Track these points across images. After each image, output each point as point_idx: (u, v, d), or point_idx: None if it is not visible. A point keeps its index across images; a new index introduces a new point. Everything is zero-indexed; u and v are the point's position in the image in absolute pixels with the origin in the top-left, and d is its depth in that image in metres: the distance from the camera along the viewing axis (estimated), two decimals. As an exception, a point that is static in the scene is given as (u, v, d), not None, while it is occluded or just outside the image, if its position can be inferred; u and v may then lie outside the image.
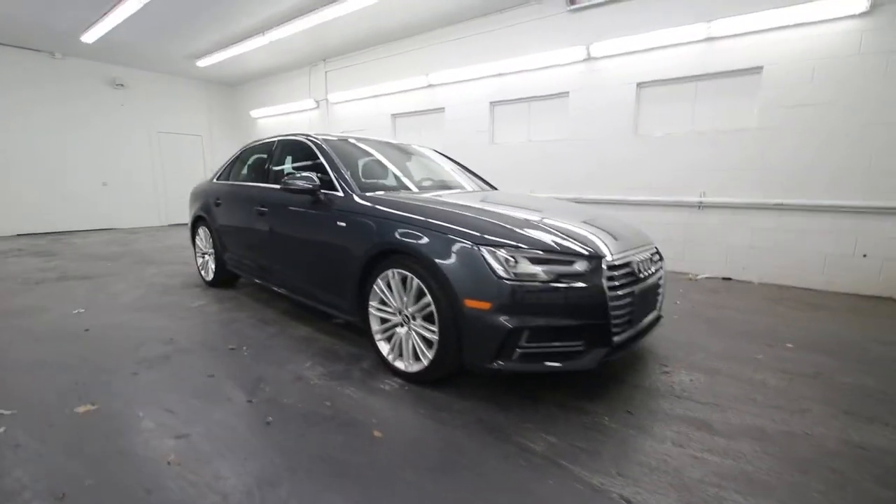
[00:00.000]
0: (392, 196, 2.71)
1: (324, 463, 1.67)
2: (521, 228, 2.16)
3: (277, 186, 3.26)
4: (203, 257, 4.48)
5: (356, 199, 2.70)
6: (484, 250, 2.02)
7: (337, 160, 3.02)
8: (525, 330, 1.96)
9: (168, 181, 10.30)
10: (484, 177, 4.04)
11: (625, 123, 5.55)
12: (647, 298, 2.35)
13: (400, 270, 2.30)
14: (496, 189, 3.79)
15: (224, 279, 4.28)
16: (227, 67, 9.32)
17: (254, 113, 10.66)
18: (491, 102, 6.69)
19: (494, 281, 1.97)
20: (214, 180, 4.41)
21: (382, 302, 2.46)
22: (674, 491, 1.54)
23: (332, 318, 3.38)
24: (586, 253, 2.08)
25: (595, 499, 1.51)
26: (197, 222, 4.47)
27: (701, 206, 5.12)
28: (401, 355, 2.39)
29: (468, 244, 2.06)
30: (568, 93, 5.95)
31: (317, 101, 9.13)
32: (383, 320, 2.48)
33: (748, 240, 4.91)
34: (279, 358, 2.67)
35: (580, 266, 2.04)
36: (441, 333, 2.13)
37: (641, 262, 2.32)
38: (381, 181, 3.22)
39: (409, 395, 2.22)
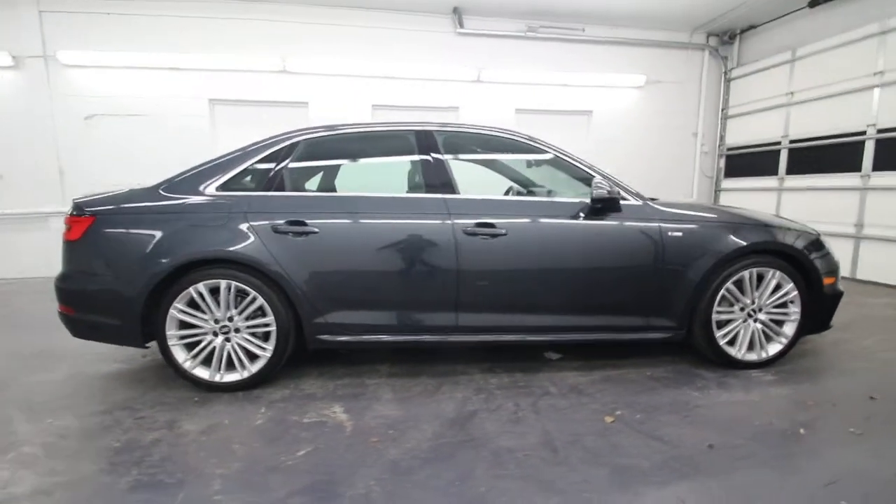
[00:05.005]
0: (673, 200, 2.81)
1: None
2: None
3: (527, 199, 2.90)
4: (205, 338, 2.27)
5: (656, 206, 2.60)
6: (821, 236, 2.64)
7: (587, 163, 2.64)
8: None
9: None
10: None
11: (506, 141, 6.52)
12: None
13: (759, 269, 2.50)
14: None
15: (275, 368, 2.38)
16: None
17: None
18: (374, 105, 6.10)
19: (833, 258, 2.64)
20: (208, 191, 2.37)
21: (719, 304, 2.54)
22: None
23: (546, 356, 2.77)
24: None
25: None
26: (186, 275, 2.21)
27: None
28: (749, 349, 2.58)
29: (814, 233, 2.62)
30: (458, 108, 6.32)
31: (14, 58, 5.17)
32: (720, 324, 2.55)
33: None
34: (675, 419, 2.19)
35: None
36: (802, 314, 2.55)
37: None
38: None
39: (801, 376, 2.50)
